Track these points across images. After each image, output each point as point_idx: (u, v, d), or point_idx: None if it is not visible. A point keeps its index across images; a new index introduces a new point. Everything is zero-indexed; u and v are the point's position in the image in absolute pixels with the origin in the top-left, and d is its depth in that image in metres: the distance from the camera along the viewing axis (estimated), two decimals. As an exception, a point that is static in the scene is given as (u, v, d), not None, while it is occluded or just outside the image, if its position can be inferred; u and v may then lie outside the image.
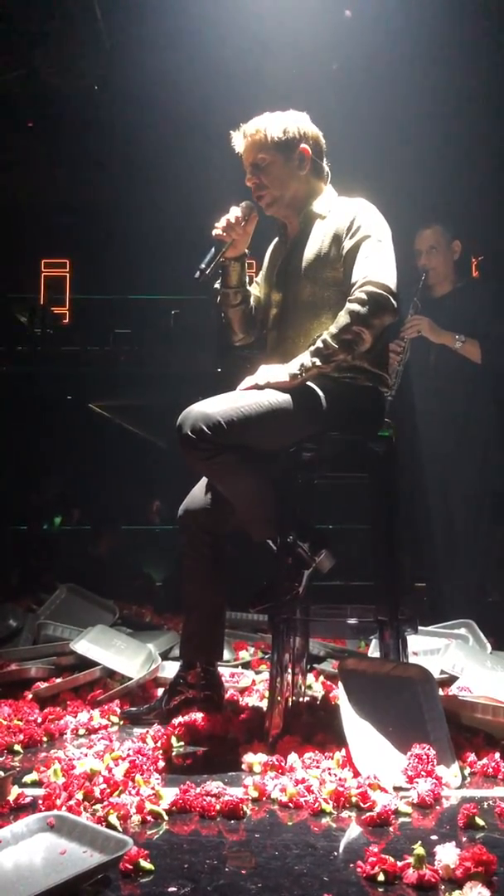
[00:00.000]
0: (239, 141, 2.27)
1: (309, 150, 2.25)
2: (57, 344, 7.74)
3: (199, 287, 2.20)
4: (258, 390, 2.05)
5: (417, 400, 3.51)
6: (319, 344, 2.04)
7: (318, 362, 2.03)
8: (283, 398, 2.04)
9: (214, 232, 2.24)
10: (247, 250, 2.36)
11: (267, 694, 2.13)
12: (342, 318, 2.04)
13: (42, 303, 7.91)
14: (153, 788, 1.65)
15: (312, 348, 2.05)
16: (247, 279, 2.41)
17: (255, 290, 2.44)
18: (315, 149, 2.28)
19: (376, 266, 2.08)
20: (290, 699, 2.20)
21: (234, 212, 2.26)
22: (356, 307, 2.03)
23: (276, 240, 2.43)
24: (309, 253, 2.22)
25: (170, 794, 1.62)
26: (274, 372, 2.07)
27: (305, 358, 2.05)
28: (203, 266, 2.17)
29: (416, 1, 4.77)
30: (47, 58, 6.03)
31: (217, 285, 2.39)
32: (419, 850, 1.31)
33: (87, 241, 7.58)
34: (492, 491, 3.56)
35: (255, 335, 2.43)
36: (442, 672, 2.47)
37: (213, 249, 2.22)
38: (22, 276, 8.04)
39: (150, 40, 5.52)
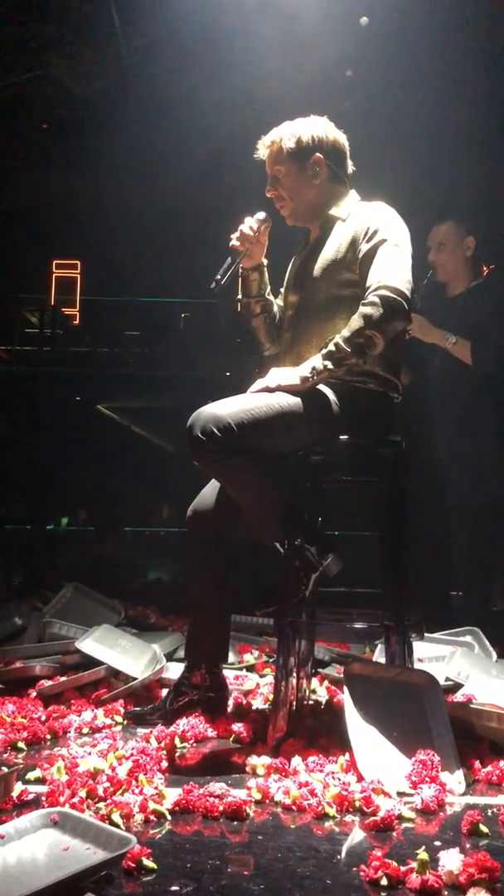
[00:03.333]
0: (262, 152, 2.31)
1: (322, 157, 2.26)
2: (66, 345, 7.78)
3: (209, 291, 2.22)
4: (269, 393, 2.05)
5: (422, 405, 3.49)
6: (331, 347, 2.03)
7: (329, 365, 2.03)
8: (294, 401, 2.04)
9: (231, 243, 2.27)
10: (265, 260, 2.38)
11: (271, 697, 2.13)
12: (355, 322, 2.03)
13: (52, 303, 7.95)
14: (156, 788, 1.65)
15: (324, 351, 2.05)
16: (268, 289, 2.43)
17: (281, 300, 2.45)
18: (332, 154, 2.28)
19: (391, 270, 2.08)
20: (294, 703, 2.20)
21: (248, 222, 2.29)
22: (370, 311, 2.02)
23: (300, 248, 2.44)
24: (326, 255, 2.23)
25: (173, 794, 1.62)
26: (285, 375, 2.07)
27: (317, 361, 2.05)
28: (219, 276, 2.20)
29: (431, 8, 4.79)
30: (63, 61, 6.07)
31: (239, 296, 2.41)
32: (423, 855, 1.30)
33: (99, 243, 7.62)
34: (495, 499, 3.53)
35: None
36: (447, 679, 2.46)
37: (228, 259, 2.25)
38: (33, 276, 8.07)
39: (165, 46, 5.55)
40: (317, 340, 2.15)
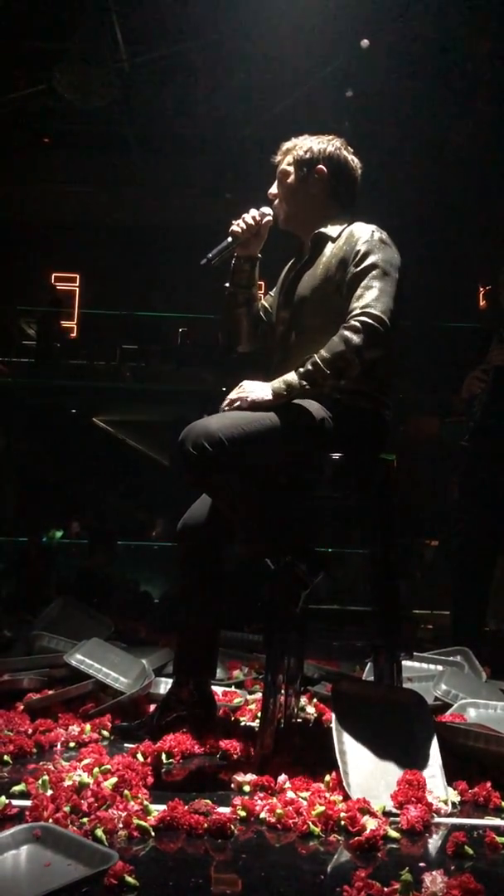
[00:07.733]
0: (278, 156, 2.36)
1: (325, 170, 2.29)
2: (64, 357, 7.79)
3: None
4: (255, 410, 2.04)
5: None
6: (309, 366, 2.03)
7: (305, 384, 2.03)
8: (286, 418, 2.04)
9: (231, 228, 2.30)
10: (259, 254, 2.39)
11: (259, 714, 2.12)
12: (335, 345, 2.03)
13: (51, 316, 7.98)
14: (141, 804, 1.63)
15: (301, 370, 2.04)
16: (256, 284, 2.44)
17: (266, 302, 2.47)
18: (337, 173, 2.31)
19: (376, 297, 2.07)
20: (282, 720, 2.19)
21: (252, 212, 2.32)
22: (350, 335, 2.02)
23: (292, 260, 2.45)
24: (316, 275, 2.24)
25: (158, 810, 1.61)
26: (258, 388, 2.07)
27: (293, 378, 2.05)
28: (211, 255, 2.23)
29: (432, 30, 4.85)
30: (66, 76, 6.13)
31: (227, 284, 2.43)
32: (406, 876, 1.29)
33: (98, 257, 7.66)
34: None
35: (256, 346, 2.45)
36: (436, 699, 2.45)
37: (225, 242, 2.28)
38: (32, 289, 8.11)
39: (167, 63, 5.61)
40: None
